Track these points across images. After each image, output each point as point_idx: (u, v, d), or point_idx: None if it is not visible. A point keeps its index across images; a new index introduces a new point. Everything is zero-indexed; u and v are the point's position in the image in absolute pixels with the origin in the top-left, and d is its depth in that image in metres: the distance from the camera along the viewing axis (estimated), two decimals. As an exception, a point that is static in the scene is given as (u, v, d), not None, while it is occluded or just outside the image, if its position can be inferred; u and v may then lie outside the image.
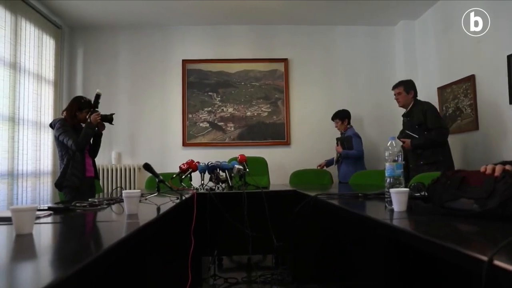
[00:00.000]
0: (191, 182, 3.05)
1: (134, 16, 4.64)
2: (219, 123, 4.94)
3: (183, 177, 2.92)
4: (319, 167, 4.34)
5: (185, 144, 4.86)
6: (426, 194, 1.47)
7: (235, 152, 3.45)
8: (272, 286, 2.91)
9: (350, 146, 4.10)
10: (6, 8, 3.57)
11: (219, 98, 4.96)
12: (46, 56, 4.31)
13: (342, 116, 4.30)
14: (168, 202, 1.93)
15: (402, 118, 3.66)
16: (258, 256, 3.53)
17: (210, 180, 3.05)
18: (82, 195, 2.87)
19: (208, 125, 4.93)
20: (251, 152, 4.06)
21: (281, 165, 4.65)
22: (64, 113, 3.13)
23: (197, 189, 2.84)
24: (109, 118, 3.15)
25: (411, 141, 3.36)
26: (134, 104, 4.88)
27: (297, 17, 4.77)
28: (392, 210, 1.40)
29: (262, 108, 4.97)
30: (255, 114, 4.96)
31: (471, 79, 3.77)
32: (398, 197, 1.37)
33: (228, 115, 4.95)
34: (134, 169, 4.69)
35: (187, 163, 2.97)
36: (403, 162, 1.52)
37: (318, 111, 4.68)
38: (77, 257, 0.85)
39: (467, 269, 0.80)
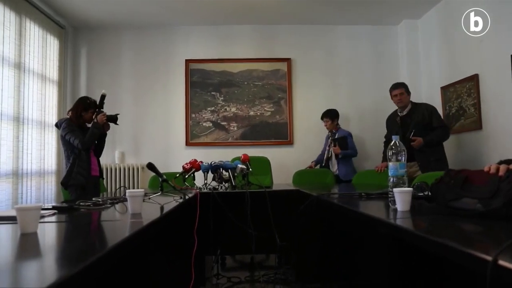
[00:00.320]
0: (194, 182, 3.05)
1: (138, 16, 4.65)
2: (222, 123, 4.94)
3: (186, 176, 2.94)
4: (309, 168, 4.36)
5: (188, 143, 4.87)
6: (429, 193, 1.47)
7: (238, 152, 3.46)
8: (275, 286, 2.92)
9: (346, 146, 4.17)
10: (10, 9, 3.59)
11: (222, 98, 4.97)
12: (50, 56, 4.33)
13: (332, 115, 4.35)
14: (171, 202, 1.93)
15: (397, 118, 3.72)
16: (261, 255, 3.53)
17: (213, 179, 3.06)
18: (87, 193, 2.89)
19: (211, 124, 4.94)
20: (254, 151, 4.07)
21: (284, 164, 4.65)
22: (70, 113, 3.16)
23: (200, 188, 2.84)
24: (114, 118, 3.21)
25: (424, 139, 3.42)
26: (137, 104, 4.89)
27: (300, 17, 4.77)
28: (395, 210, 1.40)
29: (265, 108, 4.97)
30: (258, 113, 4.96)
31: (474, 78, 3.75)
32: (402, 196, 1.37)
33: (231, 114, 4.96)
34: (138, 169, 4.70)
35: (190, 162, 2.98)
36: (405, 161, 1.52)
37: (321, 111, 4.65)
38: (81, 256, 0.85)
39: (471, 269, 0.80)
